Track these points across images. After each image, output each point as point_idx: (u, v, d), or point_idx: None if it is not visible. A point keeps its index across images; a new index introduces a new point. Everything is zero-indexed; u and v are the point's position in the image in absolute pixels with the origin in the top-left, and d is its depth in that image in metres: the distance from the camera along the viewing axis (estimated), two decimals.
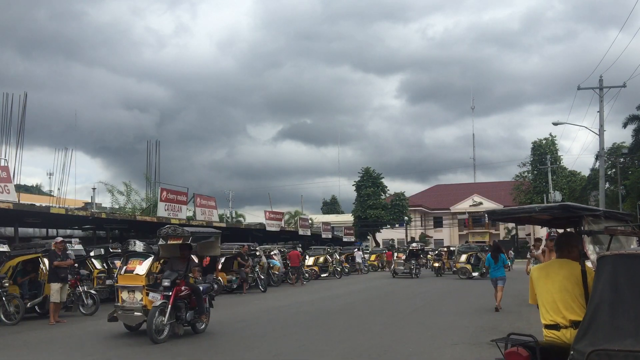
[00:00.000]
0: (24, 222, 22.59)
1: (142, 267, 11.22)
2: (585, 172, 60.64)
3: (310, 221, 44.15)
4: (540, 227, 6.70)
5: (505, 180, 75.98)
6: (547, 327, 4.16)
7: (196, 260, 12.34)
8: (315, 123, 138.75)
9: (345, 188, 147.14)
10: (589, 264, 4.07)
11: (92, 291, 14.75)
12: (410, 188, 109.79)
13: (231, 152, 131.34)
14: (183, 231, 10.89)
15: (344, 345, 9.47)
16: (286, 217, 51.95)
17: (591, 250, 3.97)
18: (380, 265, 41.85)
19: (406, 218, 61.61)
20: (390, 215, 58.90)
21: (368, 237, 61.43)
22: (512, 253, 46.61)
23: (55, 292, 12.72)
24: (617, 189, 43.01)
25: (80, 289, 14.30)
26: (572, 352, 3.47)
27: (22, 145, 27.45)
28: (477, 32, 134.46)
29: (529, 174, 65.80)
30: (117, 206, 39.13)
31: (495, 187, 77.23)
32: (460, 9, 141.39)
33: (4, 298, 12.60)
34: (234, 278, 21.53)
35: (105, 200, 49.14)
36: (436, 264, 33.37)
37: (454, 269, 31.14)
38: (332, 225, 49.99)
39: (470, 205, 73.35)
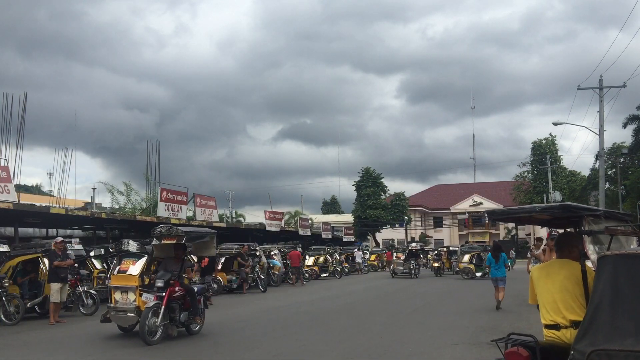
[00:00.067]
0: (24, 222, 22.57)
1: (135, 268, 11.04)
2: (585, 172, 60.79)
3: (310, 221, 44.14)
4: (540, 227, 6.69)
5: (505, 180, 76.04)
6: (547, 327, 4.16)
7: (195, 260, 12.25)
8: (315, 123, 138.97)
9: (345, 188, 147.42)
10: (589, 264, 4.06)
11: (92, 291, 14.73)
12: (410, 188, 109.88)
13: (231, 152, 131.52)
14: (177, 231, 10.70)
15: (344, 345, 9.47)
16: (286, 217, 51.93)
17: (591, 250, 3.97)
18: (380, 265, 41.85)
19: (406, 218, 61.58)
20: (390, 215, 58.89)
21: (368, 237, 61.42)
22: (514, 253, 46.63)
23: (55, 292, 12.72)
24: (617, 189, 43.02)
25: (80, 289, 14.31)
26: (572, 352, 3.46)
27: (22, 145, 27.49)
28: (477, 32, 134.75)
29: (529, 174, 65.77)
30: (117, 206, 39.13)
31: (495, 187, 77.22)
32: (460, 9, 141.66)
33: (4, 298, 12.60)
34: (234, 278, 21.53)
35: (105, 200, 49.21)
36: (436, 264, 33.34)
37: (457, 269, 31.13)
38: (332, 225, 49.99)
39: (470, 205, 73.31)
